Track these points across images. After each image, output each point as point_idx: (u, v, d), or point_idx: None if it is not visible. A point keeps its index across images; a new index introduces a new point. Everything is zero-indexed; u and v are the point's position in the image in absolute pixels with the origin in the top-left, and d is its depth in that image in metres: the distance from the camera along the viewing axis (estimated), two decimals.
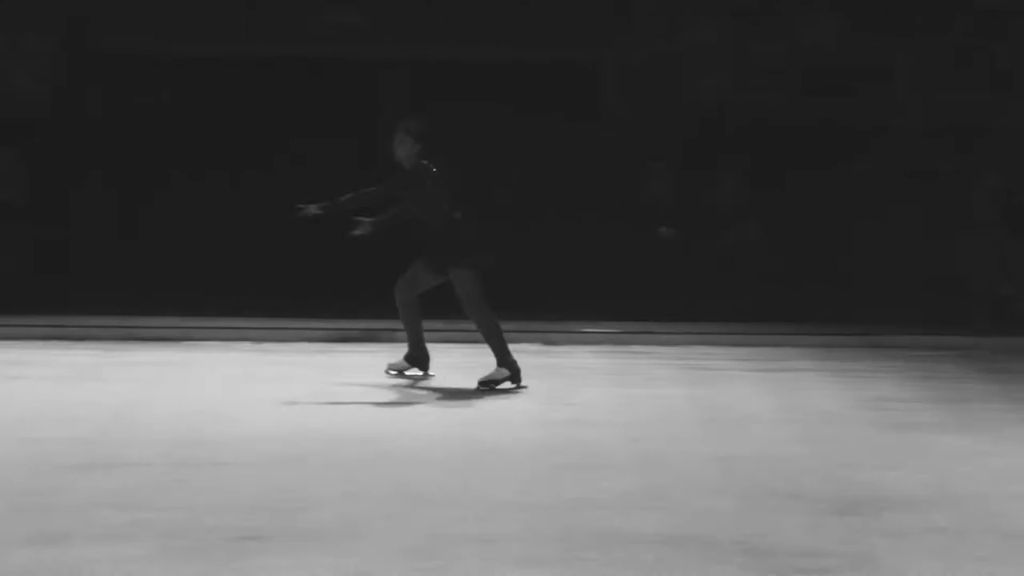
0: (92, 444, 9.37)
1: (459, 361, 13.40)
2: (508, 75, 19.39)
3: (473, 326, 12.16)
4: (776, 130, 18.92)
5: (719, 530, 7.31)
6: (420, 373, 12.45)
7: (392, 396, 11.78)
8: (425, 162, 12.07)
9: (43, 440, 9.49)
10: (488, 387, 11.79)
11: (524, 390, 11.78)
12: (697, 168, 19.01)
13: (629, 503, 7.91)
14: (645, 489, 8.29)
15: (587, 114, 19.30)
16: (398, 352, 12.86)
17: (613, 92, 19.34)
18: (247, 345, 14.96)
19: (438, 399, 11.65)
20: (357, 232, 12.41)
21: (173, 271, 18.74)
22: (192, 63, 19.49)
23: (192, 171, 19.38)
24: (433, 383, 12.36)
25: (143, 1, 19.39)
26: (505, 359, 11.84)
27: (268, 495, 7.90)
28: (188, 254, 19.03)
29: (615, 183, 19.00)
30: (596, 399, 11.68)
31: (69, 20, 19.39)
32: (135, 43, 19.40)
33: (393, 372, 12.51)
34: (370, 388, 12.07)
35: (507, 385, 11.81)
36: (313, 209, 12.20)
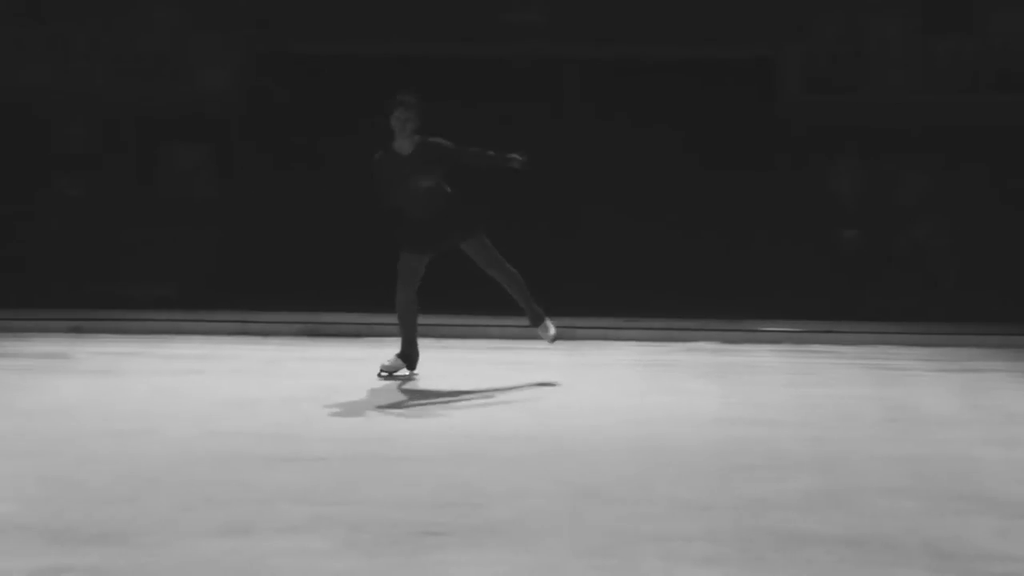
0: (276, 438, 9.51)
1: (637, 358, 13.36)
2: (686, 72, 19.30)
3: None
4: (962, 128, 18.60)
5: (903, 532, 7.20)
6: (407, 372, 12.36)
7: (568, 392, 11.78)
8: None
9: (229, 433, 9.66)
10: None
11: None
12: (881, 165, 18.76)
13: (810, 503, 7.82)
14: (827, 490, 8.19)
15: (767, 111, 19.14)
16: (580, 348, 12.85)
17: (795, 88, 19.14)
18: (428, 341, 15.07)
19: (614, 396, 11.62)
20: (517, 165, 12.64)
21: (356, 267, 18.96)
22: (370, 62, 19.69)
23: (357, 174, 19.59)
24: (607, 380, 12.32)
25: (326, 2, 19.64)
26: (531, 306, 12.38)
27: (448, 491, 7.95)
28: (368, 251, 19.24)
29: (797, 181, 18.82)
30: (775, 398, 11.57)
31: (257, 21, 19.71)
32: (318, 44, 19.66)
33: (385, 374, 12.29)
34: (549, 384, 12.09)
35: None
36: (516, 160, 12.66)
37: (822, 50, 18.98)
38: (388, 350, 14.36)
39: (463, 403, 11.12)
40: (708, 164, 19.03)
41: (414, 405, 10.98)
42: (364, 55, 19.65)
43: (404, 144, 11.99)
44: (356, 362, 13.49)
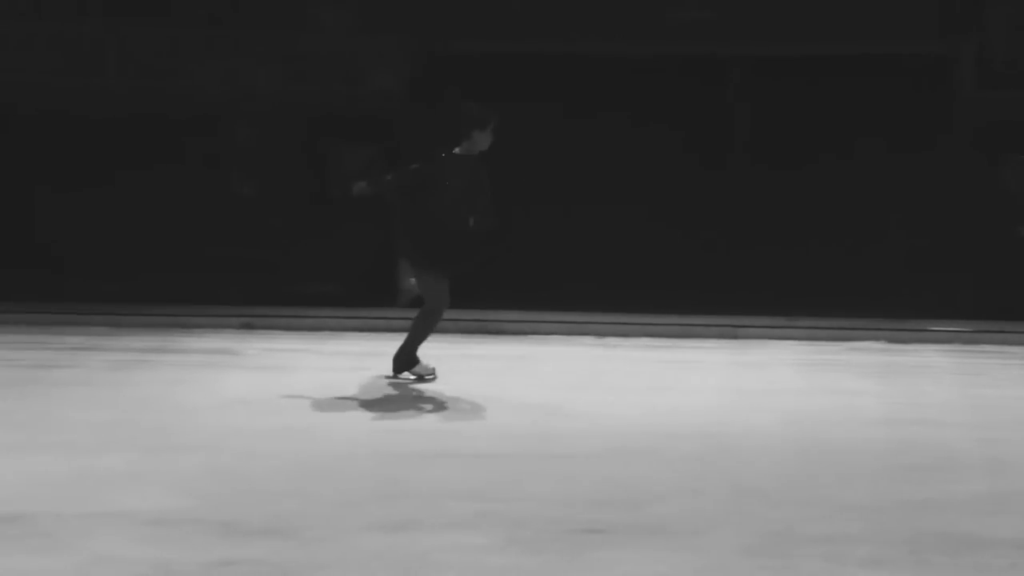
0: (440, 434, 9.57)
1: (800, 358, 13.25)
2: (858, 68, 19.08)
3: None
4: None
5: None
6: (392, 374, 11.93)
7: (729, 391, 11.70)
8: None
9: (392, 430, 9.74)
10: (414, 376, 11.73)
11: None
12: None
13: (980, 506, 7.69)
14: (997, 493, 8.05)
15: (941, 107, 18.85)
16: (742, 347, 12.76)
17: (970, 84, 18.82)
18: (590, 340, 15.08)
19: (776, 395, 11.52)
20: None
21: (522, 266, 19.01)
22: (537, 61, 19.74)
23: (532, 169, 19.63)
24: (769, 379, 12.22)
25: (492, 3, 19.72)
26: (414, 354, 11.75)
27: (610, 489, 7.95)
28: (533, 250, 19.29)
29: (971, 178, 18.52)
30: (944, 399, 11.39)
31: (425, 22, 19.85)
32: (486, 43, 19.75)
33: (412, 377, 11.91)
34: (709, 384, 12.02)
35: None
36: None
37: (997, 44, 18.64)
38: (552, 348, 14.40)
39: (624, 401, 11.09)
40: (878, 161, 18.80)
41: (575, 403, 10.98)
42: (530, 53, 19.71)
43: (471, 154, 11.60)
44: (519, 360, 13.53)
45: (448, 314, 16.39)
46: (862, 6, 18.83)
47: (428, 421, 10.06)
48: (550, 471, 8.47)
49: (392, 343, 14.62)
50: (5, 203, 20.15)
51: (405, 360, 11.81)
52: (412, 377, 11.76)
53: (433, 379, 11.69)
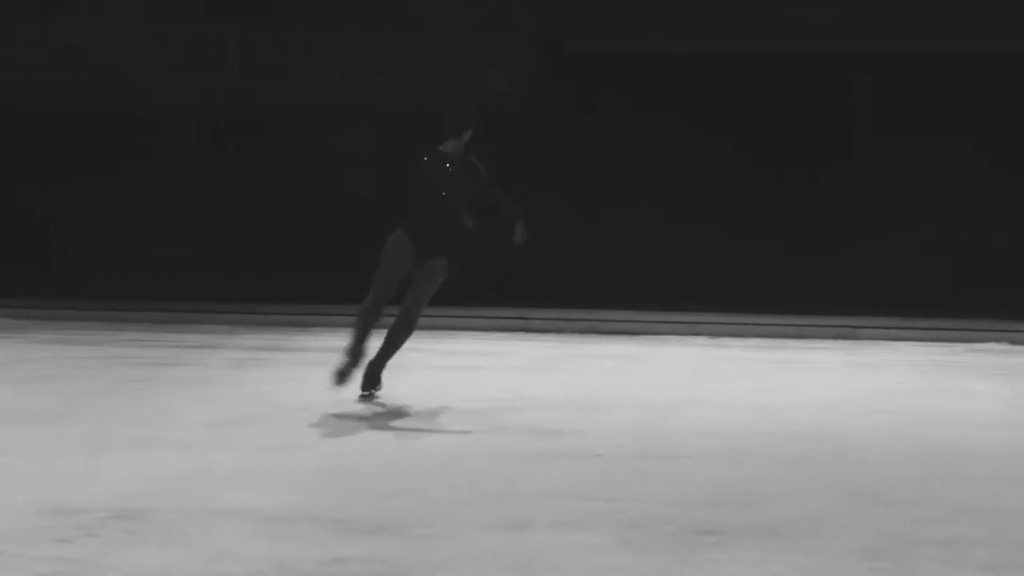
0: (554, 434, 9.57)
1: (919, 359, 13.11)
2: (982, 67, 18.84)
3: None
4: None
5: None
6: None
7: (845, 392, 11.60)
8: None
9: (506, 429, 9.75)
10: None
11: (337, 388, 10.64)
12: None
13: None
14: None
15: None
16: (859, 348, 12.63)
17: None
18: (704, 339, 15.02)
19: (893, 396, 11.41)
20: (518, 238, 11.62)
21: (632, 266, 18.99)
22: (657, 61, 19.68)
23: (657, 166, 19.58)
24: (886, 380, 12.09)
25: (612, 3, 19.69)
26: (358, 349, 10.67)
27: (724, 489, 7.90)
28: (641, 249, 19.25)
29: None
30: None
31: (542, 22, 19.87)
32: (604, 43, 19.73)
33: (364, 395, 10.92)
34: (824, 385, 11.93)
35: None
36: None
37: None
38: (665, 348, 14.35)
39: (738, 401, 11.04)
40: (1000, 166, 18.56)
41: (688, 403, 10.94)
42: (649, 53, 19.65)
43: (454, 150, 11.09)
44: (634, 359, 13.51)
45: (560, 315, 16.38)
46: (988, 3, 18.57)
47: (539, 420, 10.06)
48: (663, 471, 8.44)
49: (506, 342, 14.64)
50: (144, 200, 20.42)
51: (377, 374, 10.91)
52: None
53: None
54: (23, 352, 13.64)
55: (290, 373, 12.20)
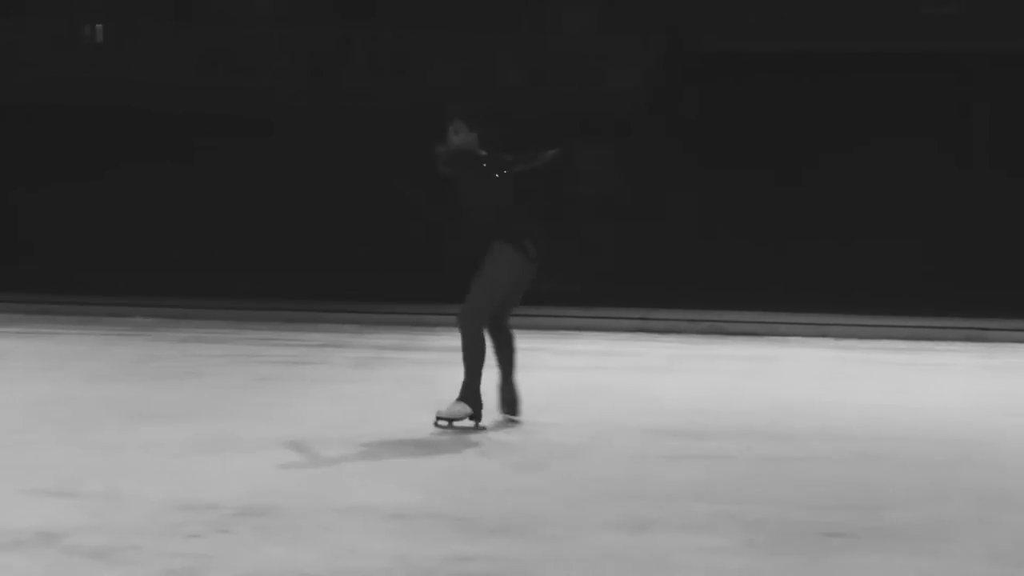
0: (677, 435, 9.54)
1: None
2: None
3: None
4: None
5: None
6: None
7: (975, 394, 11.45)
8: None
9: (631, 429, 9.74)
10: (447, 423, 9.44)
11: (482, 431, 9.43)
12: None
13: None
14: None
15: None
16: (991, 350, 12.42)
17: None
18: (830, 341, 14.90)
19: (1021, 400, 11.25)
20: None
21: (754, 268, 18.88)
22: (783, 60, 19.56)
23: (780, 167, 19.48)
24: (1019, 382, 11.91)
25: (738, 1, 19.61)
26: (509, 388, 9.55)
27: (852, 492, 7.83)
28: (761, 250, 19.14)
29: None
30: None
31: (667, 23, 19.83)
32: (730, 42, 19.65)
33: (444, 423, 9.62)
34: (954, 388, 11.78)
35: (466, 423, 9.44)
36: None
37: None
38: (791, 349, 14.25)
39: (865, 404, 10.93)
40: None
41: (814, 405, 10.85)
42: (776, 53, 19.54)
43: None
44: (759, 360, 13.42)
45: (685, 315, 16.29)
46: None
47: (666, 421, 10.03)
48: (789, 473, 8.38)
49: (628, 343, 14.62)
50: (269, 202, 20.64)
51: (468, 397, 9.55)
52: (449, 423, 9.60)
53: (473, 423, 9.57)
54: (152, 350, 13.84)
55: (415, 372, 12.26)
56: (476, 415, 9.37)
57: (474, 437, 9.35)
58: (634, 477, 8.16)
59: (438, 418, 9.31)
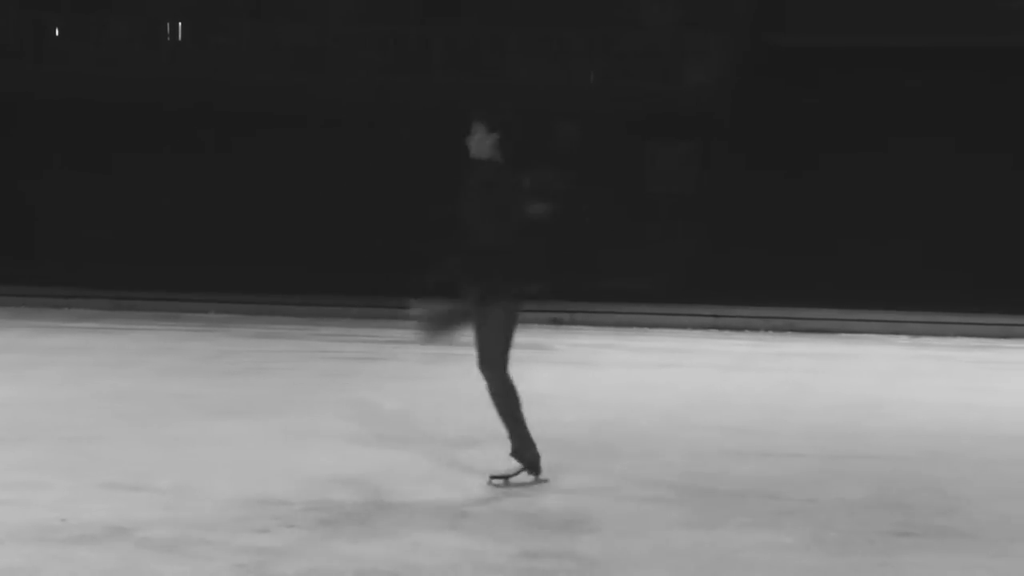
0: (747, 433, 9.51)
1: None
2: None
3: None
4: None
5: None
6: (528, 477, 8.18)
7: None
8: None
9: (700, 427, 9.71)
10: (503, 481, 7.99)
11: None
12: None
13: None
14: None
15: None
16: None
17: None
18: (904, 339, 14.79)
19: None
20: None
21: (828, 264, 18.77)
22: (863, 55, 19.43)
23: (862, 164, 19.35)
24: None
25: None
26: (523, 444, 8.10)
27: (922, 491, 7.78)
28: (838, 248, 19.03)
29: None
30: None
31: (744, 17, 19.73)
32: (810, 37, 19.53)
33: (499, 481, 8.01)
34: None
35: (523, 478, 7.98)
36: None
37: None
38: (864, 347, 14.16)
39: (938, 402, 10.85)
40: None
41: (886, 403, 10.78)
42: (857, 48, 19.40)
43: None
44: (831, 358, 13.35)
45: (754, 312, 16.18)
46: None
47: (736, 419, 10.00)
48: (859, 471, 8.33)
49: (700, 340, 14.57)
50: (345, 200, 20.71)
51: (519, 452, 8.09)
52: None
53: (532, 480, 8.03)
54: (224, 346, 13.93)
55: None
56: (534, 466, 8.02)
57: (543, 433, 9.35)
58: (702, 474, 8.13)
59: (492, 477, 7.96)
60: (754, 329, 15.51)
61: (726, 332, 15.30)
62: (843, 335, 15.04)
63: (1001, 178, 19.07)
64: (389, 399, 10.64)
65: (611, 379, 11.67)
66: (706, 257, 19.56)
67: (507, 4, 20.44)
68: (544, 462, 7.97)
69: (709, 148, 19.93)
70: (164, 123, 21.69)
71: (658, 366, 12.74)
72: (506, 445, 7.96)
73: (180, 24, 22.14)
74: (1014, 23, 18.98)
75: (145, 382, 11.36)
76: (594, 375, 11.54)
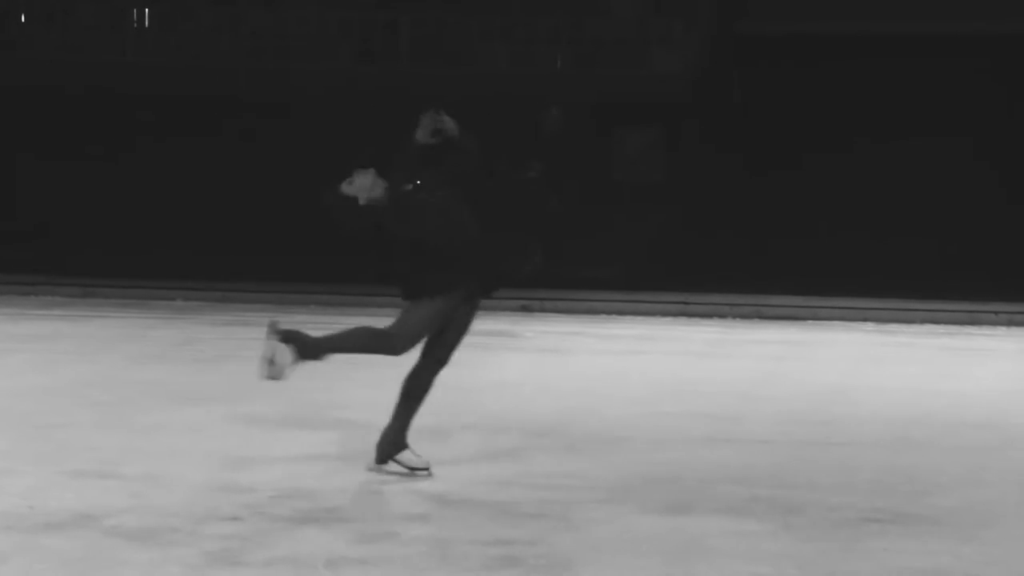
0: (715, 419, 9.53)
1: None
2: None
3: None
4: None
5: None
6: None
7: (1018, 381, 11.38)
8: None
9: (670, 413, 9.73)
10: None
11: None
12: None
13: None
14: None
15: None
16: None
17: None
18: (870, 326, 14.84)
19: None
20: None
21: (797, 253, 18.80)
22: (830, 42, 19.42)
23: (833, 150, 19.36)
24: None
25: None
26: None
27: (890, 477, 7.81)
28: (804, 235, 19.06)
29: None
30: None
31: (713, 5, 19.72)
32: (777, 25, 19.52)
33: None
34: (995, 373, 11.72)
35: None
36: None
37: None
38: (831, 334, 14.19)
39: (906, 388, 10.88)
40: None
41: (854, 390, 10.82)
42: (825, 35, 19.38)
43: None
44: (799, 345, 13.39)
45: (723, 299, 16.22)
46: None
47: (704, 406, 10.02)
48: (827, 458, 8.36)
49: (669, 327, 14.58)
50: (312, 186, 20.67)
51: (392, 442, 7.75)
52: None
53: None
54: (192, 334, 13.89)
55: (457, 356, 12.24)
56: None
57: (516, 421, 9.35)
58: (672, 461, 8.15)
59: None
60: (722, 316, 15.54)
61: (694, 319, 15.33)
62: (810, 322, 15.08)
63: (966, 164, 19.12)
64: (362, 387, 10.61)
65: (580, 366, 11.68)
66: (674, 244, 19.57)
67: None
68: (513, 449, 7.96)
69: (676, 135, 19.93)
70: (130, 109, 21.60)
71: (626, 353, 12.75)
72: (478, 433, 7.94)
73: (147, 10, 22.06)
74: (987, 9, 19.02)
75: (113, 370, 11.33)
76: (563, 362, 11.55)
